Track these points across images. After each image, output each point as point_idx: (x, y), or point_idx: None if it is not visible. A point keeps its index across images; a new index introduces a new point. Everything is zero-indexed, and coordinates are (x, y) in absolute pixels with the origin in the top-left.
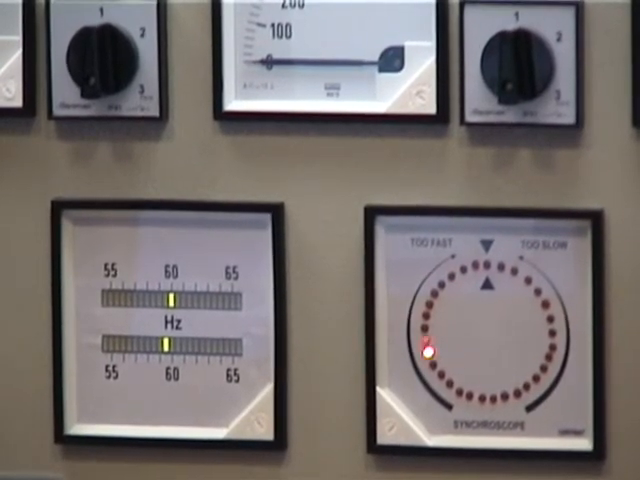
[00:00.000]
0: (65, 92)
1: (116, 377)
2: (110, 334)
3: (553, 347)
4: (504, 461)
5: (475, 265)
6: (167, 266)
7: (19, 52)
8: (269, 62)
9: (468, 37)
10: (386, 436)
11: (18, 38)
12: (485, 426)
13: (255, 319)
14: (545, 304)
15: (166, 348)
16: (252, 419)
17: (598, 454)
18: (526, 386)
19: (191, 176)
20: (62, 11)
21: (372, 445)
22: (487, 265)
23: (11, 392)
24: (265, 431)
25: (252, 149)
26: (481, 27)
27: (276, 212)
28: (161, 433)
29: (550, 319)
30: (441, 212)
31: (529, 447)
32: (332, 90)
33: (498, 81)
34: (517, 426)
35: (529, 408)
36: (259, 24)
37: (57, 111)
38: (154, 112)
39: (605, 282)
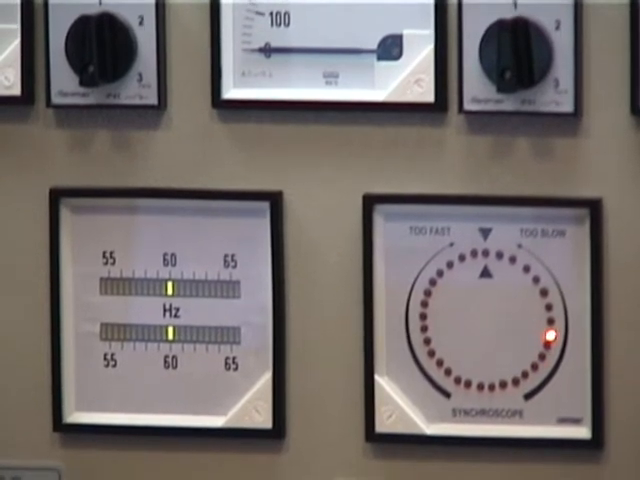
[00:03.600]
0: (63, 80)
1: (114, 365)
2: (108, 322)
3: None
4: (502, 449)
5: (473, 253)
6: (165, 254)
7: (17, 40)
8: (267, 50)
9: (466, 25)
10: (384, 424)
11: (16, 26)
12: (483, 414)
13: (253, 307)
14: (543, 292)
15: (165, 336)
16: (250, 407)
17: (596, 442)
18: (524, 374)
19: (190, 164)
20: None
21: (370, 433)
22: (485, 253)
23: (9, 381)
24: (263, 419)
25: (250, 137)
26: (479, 15)
27: (274, 200)
28: (159, 421)
29: (548, 307)
30: (439, 200)
31: (527, 435)
32: (330, 78)
33: (496, 69)
34: (515, 414)
35: (527, 396)
36: (257, 12)
37: (55, 99)
38: (152, 100)
39: (603, 270)
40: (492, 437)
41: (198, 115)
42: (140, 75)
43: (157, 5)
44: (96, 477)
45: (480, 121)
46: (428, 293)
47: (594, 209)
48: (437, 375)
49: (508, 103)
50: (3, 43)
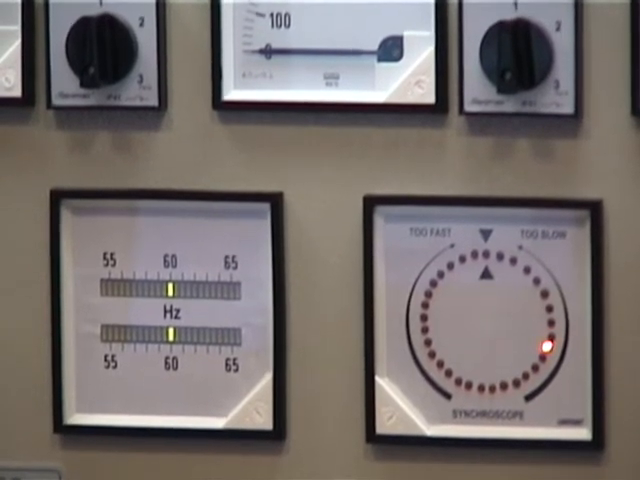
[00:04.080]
0: (64, 82)
1: (115, 367)
2: (109, 324)
3: (552, 337)
4: (503, 451)
5: (474, 255)
6: (166, 256)
7: (18, 42)
8: (268, 52)
9: (467, 27)
10: (385, 426)
11: (17, 28)
12: (484, 416)
13: (254, 309)
14: (544, 294)
15: (165, 338)
16: (251, 409)
17: (597, 444)
18: (525, 376)
19: (190, 166)
20: (61, 1)
21: (371, 435)
22: (486, 255)
23: (10, 382)
24: (264, 421)
25: (251, 139)
26: (480, 17)
27: (275, 202)
28: (160, 423)
29: (549, 309)
30: (440, 202)
31: (528, 437)
32: (331, 80)
33: (497, 71)
34: (516, 416)
35: (528, 398)
36: (258, 13)
37: (56, 101)
38: (153, 102)
39: (604, 272)
40: (493, 438)
41: (199, 116)
42: (141, 76)
43: (157, 6)
44: (96, 479)
45: (481, 122)
46: (429, 294)
47: (595, 210)
48: (438, 376)
49: (509, 104)
50: (4, 44)
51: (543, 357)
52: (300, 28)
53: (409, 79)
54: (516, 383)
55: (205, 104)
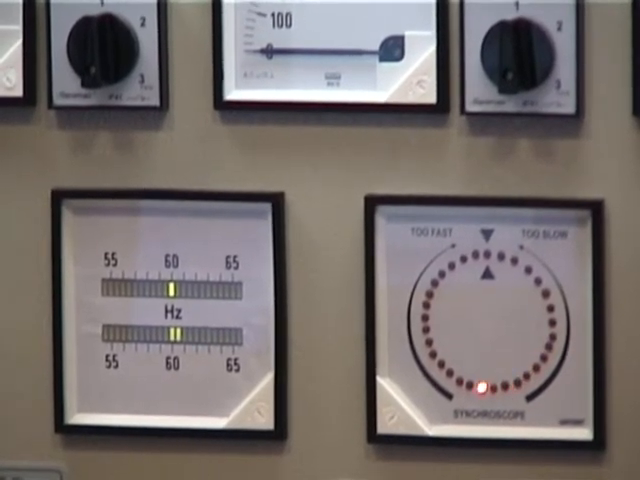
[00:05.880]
0: (65, 81)
1: (116, 366)
2: (110, 324)
3: (553, 336)
4: (504, 451)
5: (475, 255)
6: (167, 256)
7: (19, 41)
8: (269, 51)
9: (468, 26)
10: (386, 426)
11: (18, 27)
12: (485, 416)
13: (255, 309)
14: (545, 293)
15: (167, 338)
16: (252, 409)
17: (598, 444)
18: (526, 376)
19: (191, 166)
20: (62, 0)
21: (372, 435)
22: (487, 255)
23: (11, 382)
24: (265, 421)
25: (252, 138)
26: (481, 16)
27: (276, 202)
28: (161, 423)
29: (550, 308)
30: (441, 201)
31: (529, 437)
32: (332, 79)
33: (498, 71)
34: (517, 416)
35: (529, 398)
36: (259, 13)
37: (57, 100)
38: (154, 101)
39: (605, 271)
40: (494, 438)
41: (200, 116)
42: (142, 76)
43: (159, 6)
44: (98, 478)
45: (482, 122)
46: (430, 294)
47: (596, 210)
48: (439, 376)
49: (510, 104)
50: (5, 44)
51: (544, 357)
52: (301, 28)
53: (410, 79)
54: (517, 383)
55: (206, 104)
